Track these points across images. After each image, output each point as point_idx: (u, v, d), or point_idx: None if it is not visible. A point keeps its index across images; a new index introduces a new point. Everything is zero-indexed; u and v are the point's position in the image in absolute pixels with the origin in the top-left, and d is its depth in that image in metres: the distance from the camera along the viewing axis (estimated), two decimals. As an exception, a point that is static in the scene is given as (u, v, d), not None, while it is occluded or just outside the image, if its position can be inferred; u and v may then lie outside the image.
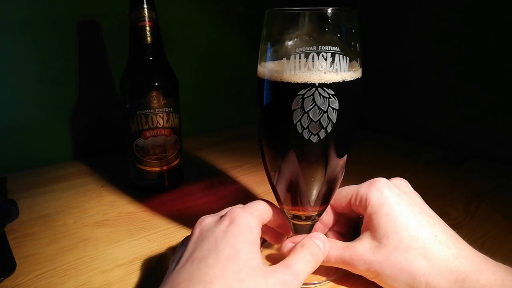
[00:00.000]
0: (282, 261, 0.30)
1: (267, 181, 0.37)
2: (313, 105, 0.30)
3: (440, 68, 0.74)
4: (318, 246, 0.32)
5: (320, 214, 0.36)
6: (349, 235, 0.39)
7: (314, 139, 0.31)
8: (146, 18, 0.49)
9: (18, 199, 0.53)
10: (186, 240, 0.32)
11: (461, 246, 0.31)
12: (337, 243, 0.34)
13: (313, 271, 0.32)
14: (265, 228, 0.37)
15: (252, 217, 0.31)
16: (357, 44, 0.31)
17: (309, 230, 0.37)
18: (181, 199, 0.54)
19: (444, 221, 0.33)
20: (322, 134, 0.30)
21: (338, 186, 0.36)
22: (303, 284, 0.35)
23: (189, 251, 0.29)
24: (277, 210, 0.35)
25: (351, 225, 0.40)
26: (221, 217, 0.31)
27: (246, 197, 0.55)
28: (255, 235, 0.30)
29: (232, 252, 0.27)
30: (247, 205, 0.33)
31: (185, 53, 0.79)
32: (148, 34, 0.50)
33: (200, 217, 0.33)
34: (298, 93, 0.30)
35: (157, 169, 0.54)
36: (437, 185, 0.57)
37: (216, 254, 0.27)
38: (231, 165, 0.66)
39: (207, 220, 0.32)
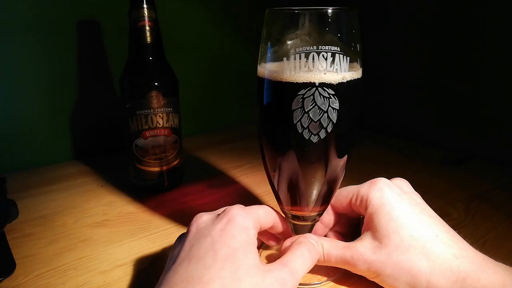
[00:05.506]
0: (279, 259, 0.30)
1: (267, 181, 0.36)
2: (313, 105, 0.30)
3: (440, 68, 0.74)
4: (313, 244, 0.32)
5: (320, 214, 0.36)
6: (349, 235, 0.39)
7: (314, 139, 0.30)
8: (146, 18, 0.49)
9: (18, 199, 0.53)
10: (183, 237, 0.31)
11: (462, 246, 0.31)
12: (338, 243, 0.34)
13: (310, 269, 0.32)
14: (263, 231, 0.37)
15: (249, 218, 0.31)
16: (357, 44, 0.31)
17: (309, 230, 0.37)
18: (181, 199, 0.54)
19: (445, 221, 0.33)
20: (322, 134, 0.30)
21: (338, 186, 0.36)
22: (304, 284, 0.36)
23: (185, 250, 0.29)
24: (281, 218, 0.36)
25: (352, 225, 0.40)
26: (218, 215, 0.31)
27: (246, 197, 0.55)
28: (252, 236, 0.30)
29: (229, 252, 0.27)
30: (249, 206, 0.33)
31: (185, 53, 0.78)
32: (148, 34, 0.50)
33: None
34: (298, 93, 0.29)
35: (157, 169, 0.54)
36: (437, 185, 0.57)
37: (213, 254, 0.27)
38: (231, 165, 0.66)
39: (204, 218, 0.32)
